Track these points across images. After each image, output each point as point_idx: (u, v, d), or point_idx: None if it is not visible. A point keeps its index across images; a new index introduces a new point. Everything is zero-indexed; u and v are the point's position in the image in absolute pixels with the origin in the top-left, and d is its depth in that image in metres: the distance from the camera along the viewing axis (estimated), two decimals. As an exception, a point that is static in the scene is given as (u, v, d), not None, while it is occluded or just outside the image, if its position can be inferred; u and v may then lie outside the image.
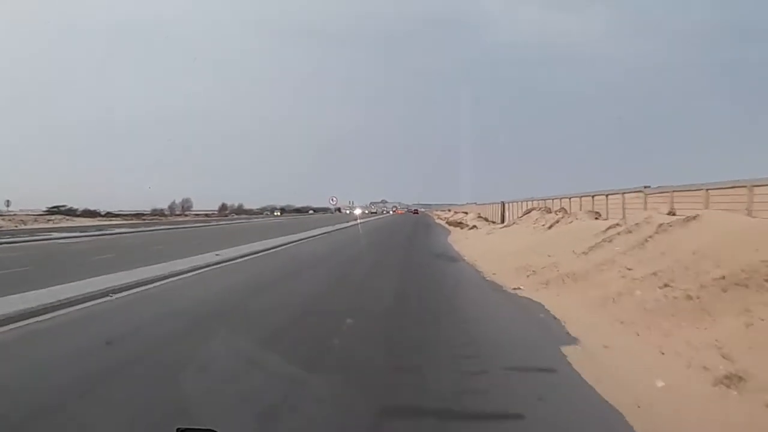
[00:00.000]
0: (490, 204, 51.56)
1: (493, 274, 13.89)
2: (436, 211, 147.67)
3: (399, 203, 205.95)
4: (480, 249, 21.42)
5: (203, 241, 26.69)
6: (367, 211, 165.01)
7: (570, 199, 24.63)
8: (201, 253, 17.95)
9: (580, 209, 21.95)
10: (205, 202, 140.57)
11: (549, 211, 25.60)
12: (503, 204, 42.00)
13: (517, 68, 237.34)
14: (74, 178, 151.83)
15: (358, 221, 60.26)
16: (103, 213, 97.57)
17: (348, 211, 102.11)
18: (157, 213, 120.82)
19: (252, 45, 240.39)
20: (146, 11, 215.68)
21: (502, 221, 41.04)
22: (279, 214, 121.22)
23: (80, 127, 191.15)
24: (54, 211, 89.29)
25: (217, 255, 17.39)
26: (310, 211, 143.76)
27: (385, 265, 16.51)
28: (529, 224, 23.63)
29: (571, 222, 18.49)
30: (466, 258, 19.08)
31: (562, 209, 23.28)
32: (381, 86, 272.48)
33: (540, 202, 30.86)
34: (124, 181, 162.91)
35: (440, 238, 31.44)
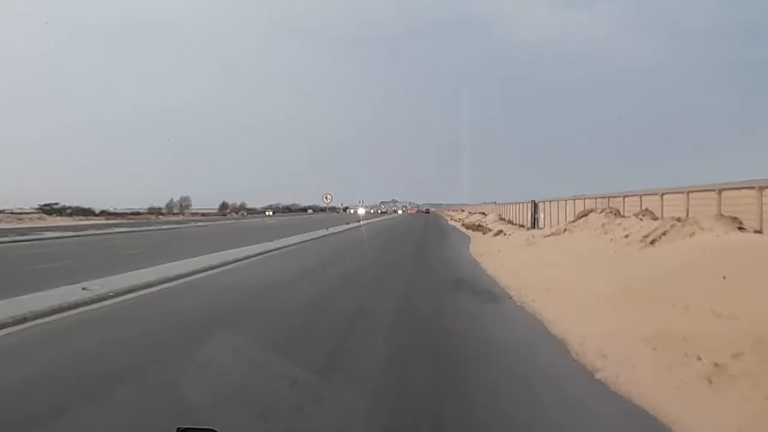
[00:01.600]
0: (512, 203, 43.69)
1: (604, 357, 6.18)
2: (448, 211, 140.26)
3: (410, 203, 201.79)
4: (527, 272, 13.77)
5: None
6: (373, 211, 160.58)
7: (609, 198, 19.59)
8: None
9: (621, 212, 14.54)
10: (208, 200, 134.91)
11: (617, 214, 17.78)
12: (534, 204, 34.16)
13: (533, 66, 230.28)
14: (72, 176, 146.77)
15: (361, 222, 52.75)
16: (97, 212, 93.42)
17: (352, 211, 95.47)
18: (154, 212, 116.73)
19: (260, 46, 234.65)
20: (144, 11, 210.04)
21: (534, 225, 33.17)
22: (271, 214, 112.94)
23: (79, 125, 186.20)
24: (46, 209, 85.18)
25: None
26: (309, 211, 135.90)
27: (371, 316, 8.83)
28: (596, 233, 15.86)
29: (693, 234, 10.72)
30: (511, 291, 11.43)
31: (662, 216, 15.49)
32: (392, 86, 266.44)
33: (577, 201, 23.14)
34: (125, 179, 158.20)
35: (459, 249, 23.76)
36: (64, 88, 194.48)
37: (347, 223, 49.67)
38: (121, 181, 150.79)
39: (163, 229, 42.51)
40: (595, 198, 22.23)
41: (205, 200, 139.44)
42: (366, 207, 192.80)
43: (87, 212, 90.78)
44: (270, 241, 24.75)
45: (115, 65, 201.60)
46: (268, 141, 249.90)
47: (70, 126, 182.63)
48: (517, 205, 40.63)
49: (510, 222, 41.98)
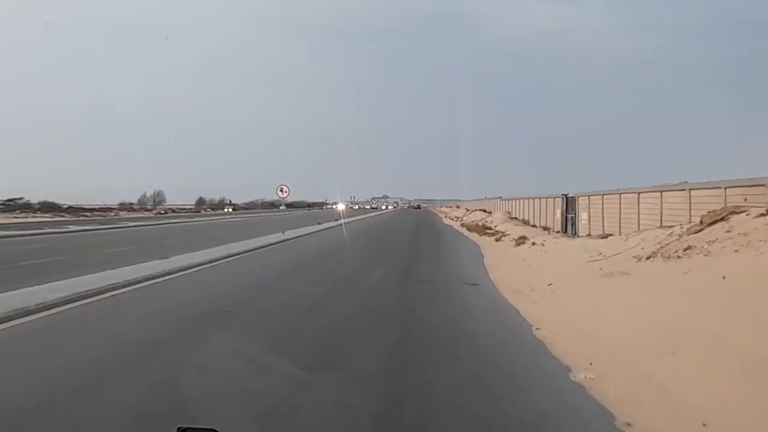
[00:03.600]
0: (527, 198, 34.22)
1: None
2: (441, 207, 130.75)
3: (401, 198, 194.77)
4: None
5: None
6: (358, 207, 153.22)
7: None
8: None
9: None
10: (186, 195, 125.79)
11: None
12: (566, 198, 24.69)
13: (522, 62, 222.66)
14: (40, 169, 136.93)
15: (339, 222, 43.14)
16: (64, 207, 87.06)
17: (333, 207, 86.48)
18: (125, 207, 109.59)
19: (242, 39, 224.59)
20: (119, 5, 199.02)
21: (568, 229, 23.70)
22: (231, 210, 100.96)
23: (57, 120, 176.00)
24: (9, 205, 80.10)
25: None
26: (282, 207, 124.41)
27: None
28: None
29: None
30: None
31: None
32: (383, 81, 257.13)
33: (647, 195, 13.83)
34: (101, 173, 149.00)
35: (474, 276, 14.17)
36: (35, 80, 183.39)
37: (319, 224, 39.99)
38: (98, 175, 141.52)
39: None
40: (708, 188, 12.74)
41: (182, 195, 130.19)
42: (357, 203, 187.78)
43: (55, 208, 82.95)
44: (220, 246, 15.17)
45: (86, 56, 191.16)
46: (253, 136, 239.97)
47: (41, 119, 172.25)
48: (536, 201, 31.10)
49: (526, 222, 32.41)
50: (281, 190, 26.43)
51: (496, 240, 24.40)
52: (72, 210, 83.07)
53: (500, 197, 45.13)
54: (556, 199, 26.00)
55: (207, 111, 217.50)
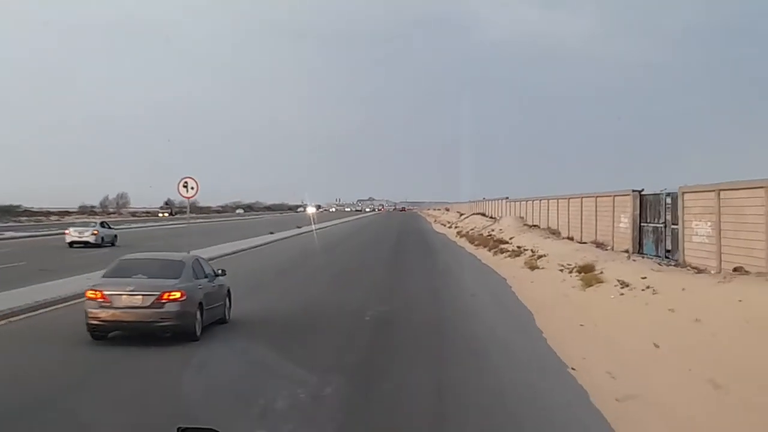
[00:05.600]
0: (552, 199, 24.72)
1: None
2: (429, 209, 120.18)
3: (387, 201, 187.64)
4: None
5: None
6: (333, 209, 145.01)
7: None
8: None
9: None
10: (153, 198, 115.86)
11: None
12: (641, 198, 15.06)
13: (508, 66, 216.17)
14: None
15: (300, 230, 33.30)
16: (20, 209, 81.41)
17: (304, 210, 76.88)
18: (86, 210, 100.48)
19: (233, 42, 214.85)
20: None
21: (640, 248, 14.09)
22: (165, 215, 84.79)
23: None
24: None
25: None
26: (239, 210, 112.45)
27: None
28: None
29: None
30: None
31: None
32: (374, 85, 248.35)
33: None
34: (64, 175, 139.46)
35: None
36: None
37: (270, 233, 30.06)
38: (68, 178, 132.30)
39: None
40: None
41: (149, 198, 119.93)
42: (342, 205, 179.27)
43: (10, 212, 77.28)
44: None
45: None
46: (238, 137, 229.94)
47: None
48: (570, 201, 21.42)
49: (554, 233, 22.74)
50: (184, 186, 16.59)
51: (530, 267, 14.67)
52: (28, 213, 77.26)
53: (506, 198, 35.50)
54: (619, 197, 16.38)
55: (189, 110, 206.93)
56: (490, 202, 45.69)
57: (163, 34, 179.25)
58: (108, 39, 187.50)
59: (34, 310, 9.84)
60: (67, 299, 10.51)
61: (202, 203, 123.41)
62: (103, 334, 7.64)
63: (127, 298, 7.48)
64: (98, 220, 31.34)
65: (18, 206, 78.53)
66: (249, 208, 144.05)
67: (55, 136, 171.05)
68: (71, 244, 24.66)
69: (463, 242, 26.67)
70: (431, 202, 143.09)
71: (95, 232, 25.46)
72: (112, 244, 25.62)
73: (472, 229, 32.63)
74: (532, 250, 18.65)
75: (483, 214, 46.04)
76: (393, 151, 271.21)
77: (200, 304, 7.93)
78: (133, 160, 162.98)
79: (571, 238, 20.80)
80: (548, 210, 24.85)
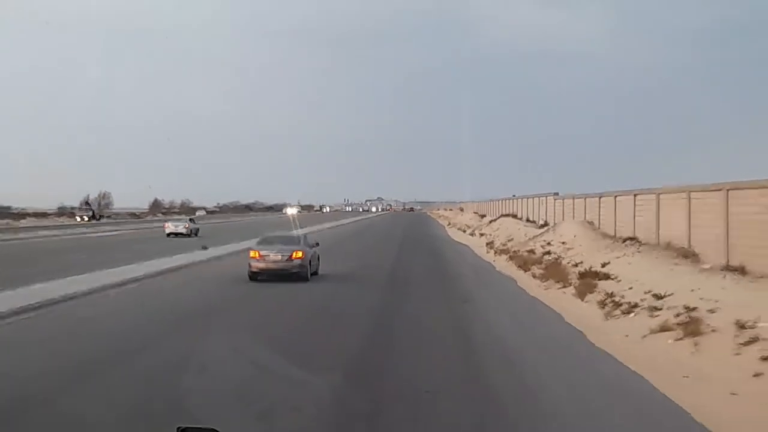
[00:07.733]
0: (674, 192, 14.68)
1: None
2: (439, 209, 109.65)
3: (396, 201, 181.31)
4: None
5: None
6: (327, 210, 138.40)
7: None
8: None
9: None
10: (141, 198, 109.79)
11: None
12: None
13: (512, 65, 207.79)
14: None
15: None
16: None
17: (293, 212, 67.34)
18: (65, 212, 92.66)
19: (236, 42, 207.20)
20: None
21: None
22: (85, 219, 69.85)
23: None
24: None
25: None
26: (200, 212, 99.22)
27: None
28: None
29: None
30: None
31: None
32: (378, 86, 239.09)
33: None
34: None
35: None
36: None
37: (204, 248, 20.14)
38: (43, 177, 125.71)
39: None
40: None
41: (137, 198, 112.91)
42: (350, 205, 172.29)
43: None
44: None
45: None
46: (249, 140, 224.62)
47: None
48: (733, 193, 11.13)
49: (684, 254, 12.41)
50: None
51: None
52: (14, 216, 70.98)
53: (555, 194, 25.14)
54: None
55: (190, 111, 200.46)
56: (522, 200, 35.38)
57: (162, 35, 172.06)
58: (108, 39, 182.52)
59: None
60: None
61: (202, 204, 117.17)
62: (257, 277, 13.86)
63: (273, 256, 13.89)
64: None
65: (8, 207, 75.17)
66: (247, 208, 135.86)
67: (43, 136, 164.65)
68: (169, 234, 32.87)
69: (504, 264, 16.43)
70: (440, 201, 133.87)
71: (186, 225, 34.61)
72: (196, 235, 33.70)
73: (509, 240, 22.35)
74: (686, 307, 8.42)
75: (514, 216, 35.78)
76: (401, 152, 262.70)
77: (310, 261, 14.34)
78: (133, 160, 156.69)
79: (735, 269, 10.51)
80: (657, 211, 14.36)
